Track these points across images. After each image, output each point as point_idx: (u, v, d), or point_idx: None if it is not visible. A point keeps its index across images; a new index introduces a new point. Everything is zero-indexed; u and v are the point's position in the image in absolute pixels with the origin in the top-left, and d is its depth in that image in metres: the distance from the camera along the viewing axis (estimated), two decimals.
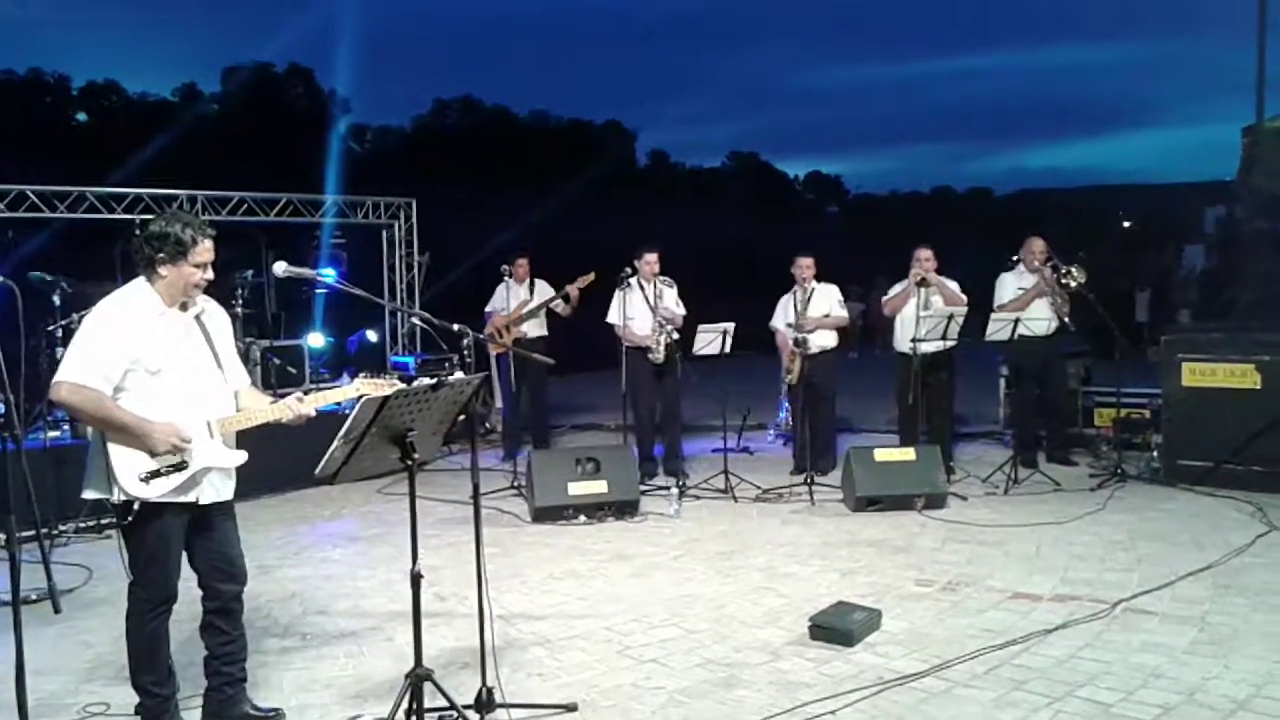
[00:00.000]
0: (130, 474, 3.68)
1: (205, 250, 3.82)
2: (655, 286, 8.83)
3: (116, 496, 3.70)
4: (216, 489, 3.93)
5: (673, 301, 8.91)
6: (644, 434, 9.12)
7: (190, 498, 3.83)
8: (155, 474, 3.72)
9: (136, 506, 3.71)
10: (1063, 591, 5.53)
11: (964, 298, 8.61)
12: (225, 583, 4.04)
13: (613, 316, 8.90)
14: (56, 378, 3.68)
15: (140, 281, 3.84)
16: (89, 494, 3.83)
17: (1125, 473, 8.34)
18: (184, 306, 3.90)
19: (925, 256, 8.63)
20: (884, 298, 9.14)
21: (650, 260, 8.85)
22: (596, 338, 9.69)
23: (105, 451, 3.69)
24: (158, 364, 3.73)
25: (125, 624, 3.88)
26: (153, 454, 3.71)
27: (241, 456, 3.97)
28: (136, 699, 3.96)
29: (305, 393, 4.18)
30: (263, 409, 4.02)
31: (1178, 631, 4.84)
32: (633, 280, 8.82)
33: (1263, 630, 4.81)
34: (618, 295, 8.84)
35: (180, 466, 3.76)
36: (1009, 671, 4.43)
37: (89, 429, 5.97)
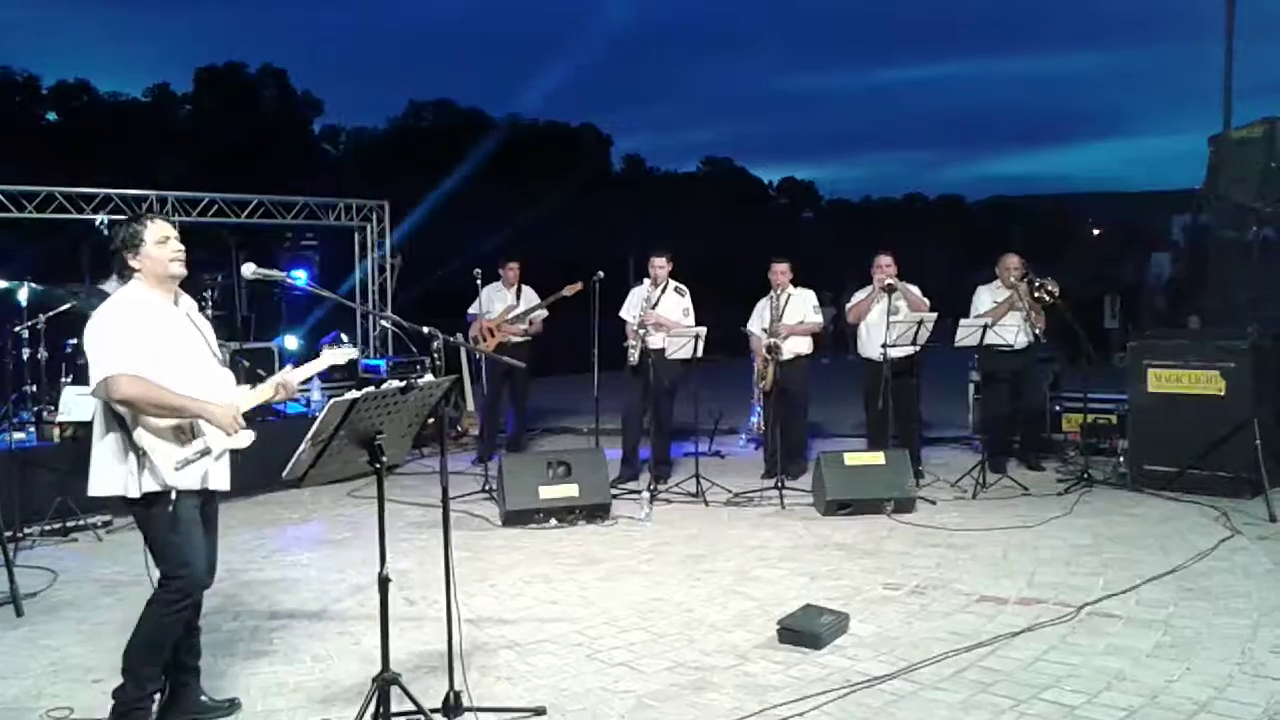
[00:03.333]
0: (168, 464, 3.74)
1: (159, 227, 3.90)
2: (659, 290, 8.84)
3: (143, 488, 3.72)
4: (222, 473, 4.00)
5: (678, 310, 8.86)
6: (628, 435, 9.13)
7: (207, 484, 3.90)
8: (188, 462, 3.78)
9: (174, 496, 3.74)
10: (1029, 595, 5.57)
11: (927, 302, 8.68)
12: (207, 574, 4.08)
13: (624, 312, 9.01)
14: (104, 374, 3.66)
15: (134, 283, 3.90)
16: (101, 491, 3.85)
17: (1092, 478, 8.41)
18: (176, 303, 3.99)
19: (886, 263, 8.69)
20: (848, 305, 9.18)
21: (656, 264, 8.90)
22: (571, 342, 9.70)
23: (132, 445, 3.71)
24: (166, 353, 3.79)
25: (143, 611, 3.88)
26: (190, 441, 3.80)
27: (250, 435, 4.01)
28: (100, 702, 3.93)
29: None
30: (261, 387, 4.13)
31: (1142, 635, 4.89)
32: (646, 280, 8.93)
33: (1225, 634, 4.86)
34: (632, 293, 9.00)
35: (206, 452, 3.83)
36: (975, 674, 4.46)
37: (55, 431, 5.94)
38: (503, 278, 10.13)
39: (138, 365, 3.68)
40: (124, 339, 3.71)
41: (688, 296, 8.93)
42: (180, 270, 3.92)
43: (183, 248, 3.92)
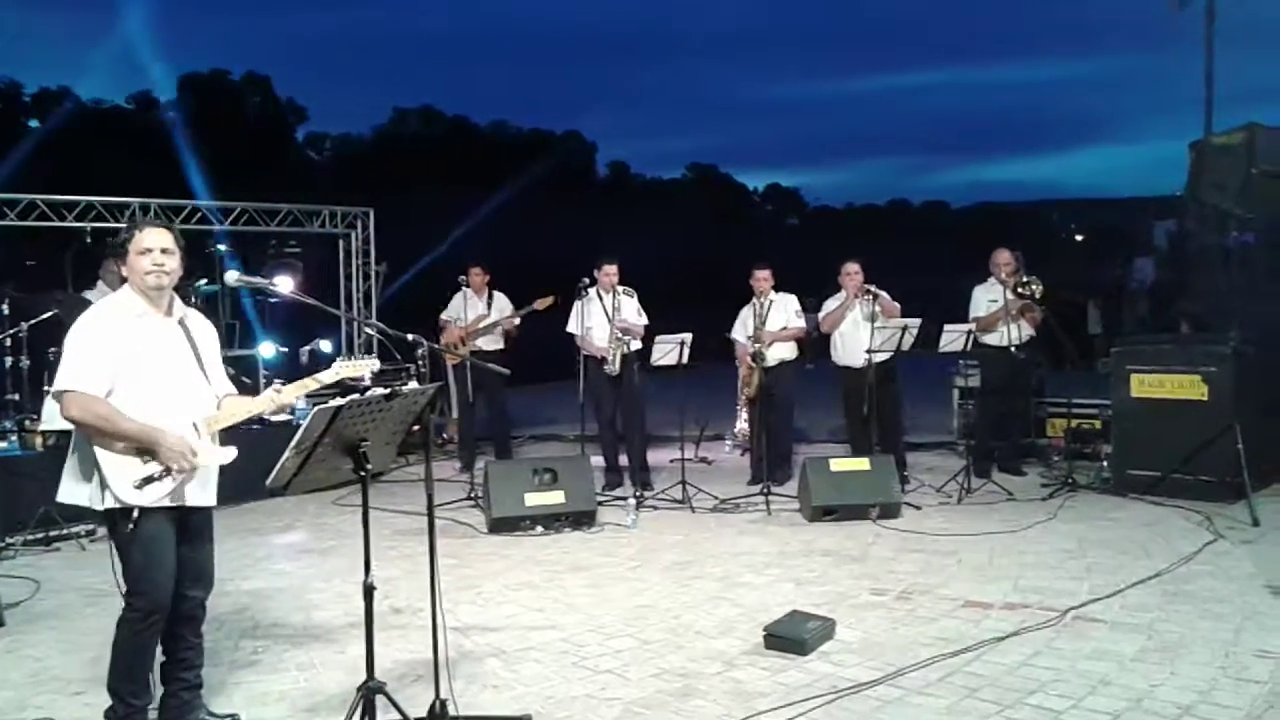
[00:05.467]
0: (124, 481, 3.68)
1: (145, 237, 3.83)
2: (614, 297, 8.83)
3: (106, 504, 3.69)
4: (202, 489, 3.94)
5: (634, 311, 8.91)
6: (607, 444, 9.13)
7: (177, 501, 3.82)
8: (149, 480, 3.71)
9: (136, 514, 3.69)
10: (1014, 600, 5.59)
11: (898, 307, 8.66)
12: (194, 588, 4.03)
13: (572, 326, 8.92)
14: (58, 389, 3.68)
15: (123, 288, 3.90)
16: (67, 499, 3.82)
17: (1076, 482, 8.45)
18: (169, 312, 3.94)
19: (854, 270, 8.72)
20: (821, 315, 9.19)
21: (609, 271, 8.87)
22: (554, 348, 9.69)
23: (94, 459, 3.67)
24: (137, 364, 3.74)
25: (115, 633, 3.84)
26: (151, 461, 3.72)
27: (231, 453, 3.97)
28: (82, 714, 3.91)
29: (285, 383, 4.15)
30: (244, 402, 4.03)
31: (1126, 639, 4.91)
32: (591, 290, 8.84)
33: (1208, 637, 4.88)
34: (577, 305, 8.86)
35: (170, 470, 3.75)
36: (961, 679, 4.47)
37: (38, 440, 5.82)
38: (470, 284, 10.07)
39: (95, 383, 3.65)
40: (87, 354, 3.69)
41: (635, 297, 8.98)
42: (156, 283, 3.83)
43: (164, 261, 3.82)
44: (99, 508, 3.72)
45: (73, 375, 3.66)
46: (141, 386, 3.74)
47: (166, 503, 3.78)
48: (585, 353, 8.83)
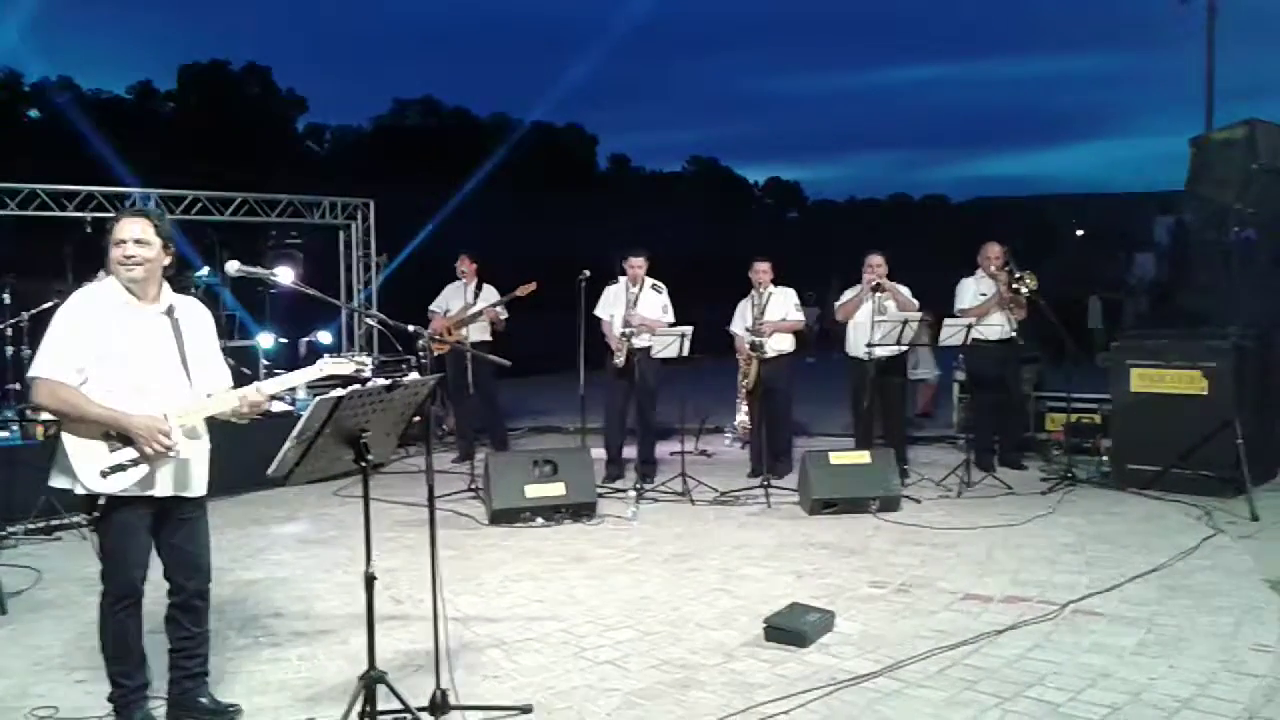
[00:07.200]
0: (89, 468, 3.67)
1: (120, 227, 3.79)
2: (639, 289, 8.82)
3: (79, 489, 3.70)
4: (180, 481, 3.89)
5: (658, 308, 8.86)
6: (612, 436, 9.13)
7: (149, 491, 3.79)
8: (117, 468, 3.70)
9: (102, 501, 3.70)
10: (1013, 593, 5.60)
11: (916, 303, 8.71)
12: (187, 579, 4.02)
13: (599, 310, 8.94)
14: (31, 374, 3.71)
15: (110, 277, 3.87)
16: (55, 483, 3.82)
17: (1075, 477, 8.45)
18: (156, 300, 3.88)
19: (877, 263, 8.71)
20: (837, 303, 9.21)
21: (634, 264, 8.86)
22: (553, 340, 9.68)
23: (63, 445, 3.69)
24: (113, 354, 3.72)
25: (97, 618, 3.86)
26: (121, 449, 3.70)
27: (203, 445, 3.95)
28: (84, 701, 3.93)
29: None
30: (219, 398, 3.95)
31: (1125, 632, 4.92)
32: (622, 279, 8.87)
33: (1207, 631, 4.90)
34: (606, 291, 8.90)
35: (140, 460, 3.73)
36: (960, 672, 4.48)
37: (39, 430, 5.80)
38: (460, 273, 10.08)
39: (65, 371, 3.64)
40: (60, 342, 3.68)
41: (665, 293, 8.94)
42: (128, 275, 3.77)
43: (136, 252, 3.74)
44: (79, 492, 3.73)
45: (43, 362, 3.67)
46: (116, 376, 3.71)
47: (135, 491, 3.74)
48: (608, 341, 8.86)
